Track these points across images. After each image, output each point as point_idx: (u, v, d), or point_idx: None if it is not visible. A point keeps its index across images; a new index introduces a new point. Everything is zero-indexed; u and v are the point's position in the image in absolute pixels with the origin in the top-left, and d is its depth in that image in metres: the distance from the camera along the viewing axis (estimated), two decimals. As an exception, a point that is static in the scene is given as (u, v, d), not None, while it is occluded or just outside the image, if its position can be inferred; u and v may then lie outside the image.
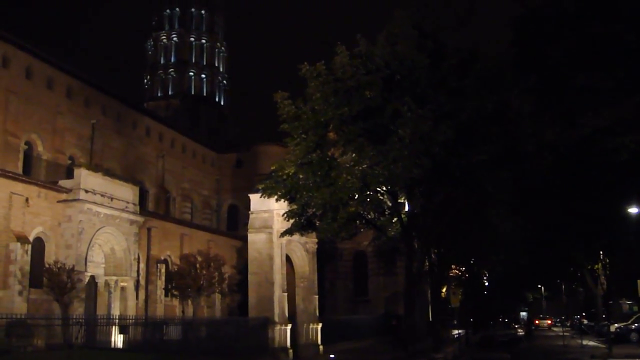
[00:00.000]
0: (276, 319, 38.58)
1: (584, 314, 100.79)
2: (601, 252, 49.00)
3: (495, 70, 26.93)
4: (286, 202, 31.18)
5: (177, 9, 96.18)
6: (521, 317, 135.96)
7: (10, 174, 39.86)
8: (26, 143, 50.03)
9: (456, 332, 61.41)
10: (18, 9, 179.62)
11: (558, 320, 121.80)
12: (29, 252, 38.74)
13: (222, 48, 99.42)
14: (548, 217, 37.36)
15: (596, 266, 54.23)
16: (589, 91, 22.39)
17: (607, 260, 51.39)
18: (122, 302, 45.80)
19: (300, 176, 28.64)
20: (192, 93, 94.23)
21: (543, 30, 23.17)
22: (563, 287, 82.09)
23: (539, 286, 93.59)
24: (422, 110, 25.51)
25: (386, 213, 32.59)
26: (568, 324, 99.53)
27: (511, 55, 25.78)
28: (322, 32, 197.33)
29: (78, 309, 39.75)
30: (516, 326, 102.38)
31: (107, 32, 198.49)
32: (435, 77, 27.27)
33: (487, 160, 27.21)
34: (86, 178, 42.72)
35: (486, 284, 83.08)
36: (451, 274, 58.92)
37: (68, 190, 41.95)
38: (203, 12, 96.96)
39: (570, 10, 22.14)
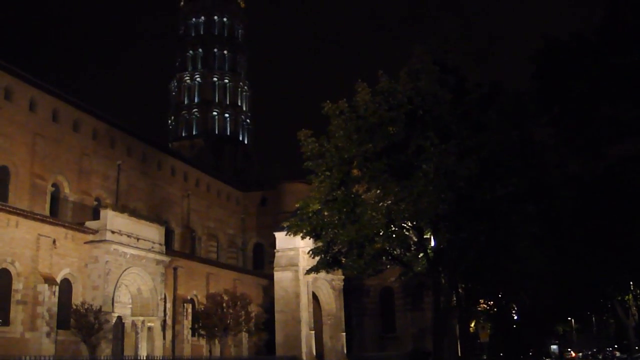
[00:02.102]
0: (304, 357, 38.36)
1: (615, 345, 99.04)
2: (631, 283, 48.31)
3: (518, 103, 26.88)
4: (312, 239, 31.13)
5: (200, 50, 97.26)
6: (552, 350, 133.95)
7: (38, 216, 40.27)
8: (53, 185, 50.53)
9: (486, 367, 60.56)
10: (44, 52, 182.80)
11: (589, 352, 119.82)
12: (57, 294, 38.95)
13: (245, 87, 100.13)
14: (576, 248, 36.97)
15: (627, 297, 53.44)
16: (613, 121, 22.29)
17: (638, 291, 50.64)
18: (149, 342, 45.77)
19: (325, 213, 28.61)
20: (216, 132, 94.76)
21: (565, 63, 23.15)
22: (593, 318, 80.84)
23: (569, 318, 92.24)
24: (445, 145, 25.47)
25: (412, 248, 32.38)
26: (600, 357, 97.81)
27: (533, 88, 25.74)
28: (343, 69, 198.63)
29: (105, 350, 39.78)
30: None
31: (132, 74, 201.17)
32: (457, 111, 27.25)
33: (512, 193, 27.04)
34: (112, 219, 43.01)
35: (515, 317, 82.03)
36: (479, 308, 58.32)
37: (95, 231, 42.25)
38: (225, 52, 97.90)
39: (592, 41, 22.13)
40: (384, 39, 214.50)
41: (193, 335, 52.62)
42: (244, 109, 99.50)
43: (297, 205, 30.93)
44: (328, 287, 51.26)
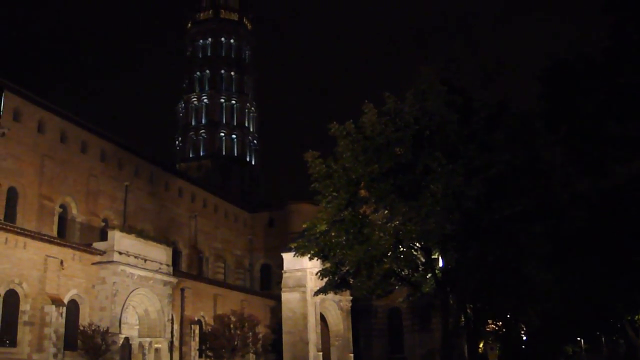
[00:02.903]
0: (311, 378, 38.15)
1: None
2: (641, 302, 47.91)
3: (525, 122, 26.86)
4: (319, 260, 31.03)
5: (207, 71, 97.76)
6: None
7: (46, 237, 40.35)
8: (61, 206, 50.66)
9: (495, 388, 60.04)
10: (52, 73, 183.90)
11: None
12: (64, 315, 38.94)
13: (252, 108, 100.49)
14: (585, 268, 36.77)
15: (637, 317, 53.04)
16: (621, 140, 22.25)
17: (648, 311, 50.24)
18: (156, 363, 45.66)
19: (333, 234, 28.53)
20: (223, 153, 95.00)
21: (572, 82, 23.15)
22: (603, 339, 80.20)
23: (579, 339, 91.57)
24: (452, 165, 25.44)
25: (420, 269, 32.24)
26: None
27: (540, 108, 25.73)
28: (350, 90, 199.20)
29: (113, 372, 39.69)
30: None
31: (139, 95, 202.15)
32: (465, 131, 27.22)
33: (520, 213, 26.94)
34: (120, 240, 43.07)
35: (524, 337, 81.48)
36: (488, 329, 57.95)
37: (102, 252, 42.29)
38: (233, 73, 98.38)
39: (599, 61, 22.15)
40: (391, 59, 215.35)
41: (200, 356, 52.49)
42: (251, 129, 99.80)
43: (304, 226, 30.86)
44: (336, 308, 51.02)
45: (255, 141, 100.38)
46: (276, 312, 60.04)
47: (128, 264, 43.13)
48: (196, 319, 53.23)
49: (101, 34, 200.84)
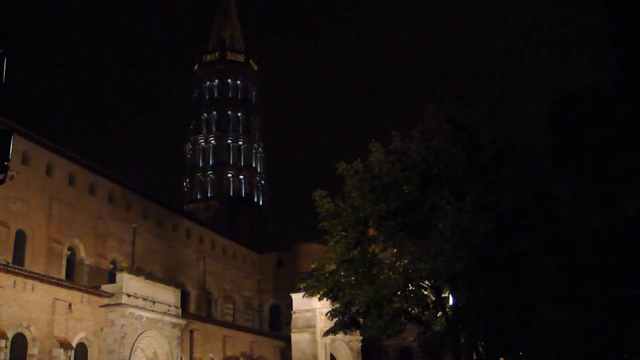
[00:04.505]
0: (322, 420, 37.70)
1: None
2: (655, 338, 47.38)
3: (533, 158, 26.82)
4: (329, 300, 30.86)
5: (215, 112, 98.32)
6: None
7: (54, 280, 40.28)
8: (69, 249, 50.66)
9: None
10: (58, 115, 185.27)
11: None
12: (72, 358, 38.71)
13: (259, 149, 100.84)
14: (597, 304, 36.40)
15: (651, 353, 52.40)
16: (630, 174, 22.16)
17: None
18: (165, 407, 45.22)
19: (342, 274, 28.42)
20: (231, 194, 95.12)
21: (579, 117, 23.16)
22: (618, 376, 79.06)
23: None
24: (461, 203, 25.38)
25: (430, 307, 32.01)
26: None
27: (548, 143, 25.70)
28: (357, 128, 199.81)
29: (122, 416, 39.30)
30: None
31: (147, 137, 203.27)
32: (472, 168, 27.20)
33: (529, 249, 26.79)
34: (128, 282, 42.97)
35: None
36: (500, 367, 57.25)
37: (110, 295, 42.16)
38: (239, 114, 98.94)
39: (605, 95, 22.17)
40: (398, 96, 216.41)
41: (210, 399, 51.98)
42: (259, 170, 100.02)
43: (313, 266, 30.75)
44: (346, 348, 50.65)
45: (262, 181, 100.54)
46: (286, 353, 59.60)
47: (136, 306, 42.96)
48: (205, 361, 52.86)
49: (108, 77, 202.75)
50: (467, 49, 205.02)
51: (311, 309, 41.85)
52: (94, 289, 42.97)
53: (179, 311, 47.99)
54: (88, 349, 41.20)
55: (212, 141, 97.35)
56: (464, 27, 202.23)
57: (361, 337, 51.07)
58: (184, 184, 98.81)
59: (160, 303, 45.56)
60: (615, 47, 21.28)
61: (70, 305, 39.67)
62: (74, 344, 39.52)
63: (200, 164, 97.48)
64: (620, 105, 21.56)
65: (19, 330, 37.10)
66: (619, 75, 21.38)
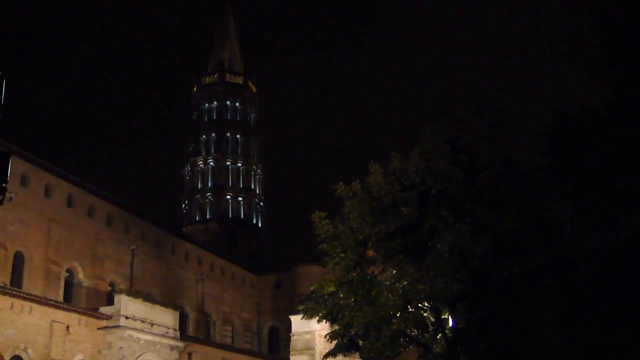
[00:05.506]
0: None
1: None
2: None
3: (532, 179, 26.83)
4: (328, 322, 30.72)
5: (213, 134, 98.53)
6: None
7: (52, 302, 40.17)
8: (67, 270, 50.54)
9: None
10: (56, 137, 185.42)
11: None
12: (70, 382, 38.44)
13: (258, 170, 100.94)
14: (598, 324, 36.19)
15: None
16: (629, 193, 22.18)
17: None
18: None
19: (341, 295, 28.33)
20: (230, 216, 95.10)
21: (577, 137, 23.21)
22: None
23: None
24: (459, 224, 25.36)
25: (430, 329, 31.87)
26: None
27: (546, 163, 25.72)
28: (355, 149, 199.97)
29: None
30: None
31: (146, 158, 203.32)
32: (471, 189, 27.20)
33: (529, 270, 26.73)
34: (126, 304, 42.84)
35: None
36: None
37: (108, 317, 42.03)
38: (238, 136, 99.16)
39: (603, 115, 22.24)
40: (395, 118, 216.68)
41: (208, 422, 51.62)
42: (257, 192, 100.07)
43: (312, 288, 30.65)
44: (345, 370, 50.36)
45: (261, 203, 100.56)
46: (285, 375, 59.33)
47: (135, 329, 42.80)
48: (203, 384, 52.56)
49: (107, 99, 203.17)
50: (466, 70, 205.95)
51: (310, 331, 41.70)
52: (91, 311, 42.83)
53: (178, 333, 47.80)
54: (86, 372, 40.98)
55: (211, 163, 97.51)
56: (462, 48, 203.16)
57: (360, 360, 50.81)
58: (183, 206, 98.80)
59: (159, 325, 45.38)
60: (612, 69, 21.39)
61: (67, 327, 39.53)
62: (71, 366, 39.32)
63: (199, 186, 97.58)
64: (617, 126, 21.63)
65: (17, 352, 36.91)
66: (616, 96, 21.47)
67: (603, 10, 21.29)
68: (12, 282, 43.58)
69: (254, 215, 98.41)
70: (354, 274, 27.73)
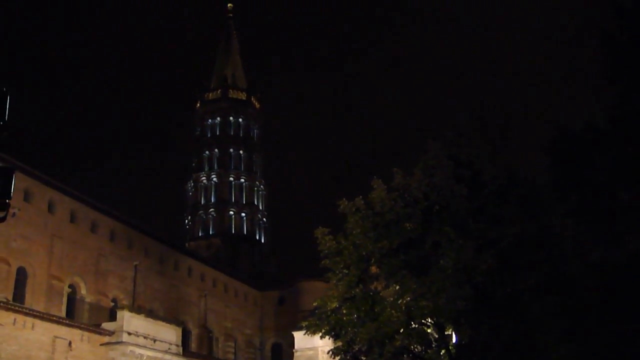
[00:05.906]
0: None
1: None
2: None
3: (535, 194, 26.80)
4: (331, 338, 30.63)
5: (216, 150, 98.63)
6: None
7: (54, 318, 40.12)
8: (70, 286, 50.48)
9: None
10: (59, 152, 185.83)
11: None
12: (72, 398, 38.32)
13: (261, 186, 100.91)
14: (600, 340, 36.02)
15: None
16: (633, 209, 22.14)
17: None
18: None
19: (344, 312, 28.26)
20: (233, 232, 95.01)
21: (580, 152, 23.21)
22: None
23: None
24: (462, 240, 25.33)
25: (433, 345, 31.76)
26: None
27: (549, 179, 25.70)
28: (358, 164, 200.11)
29: None
30: None
31: (149, 174, 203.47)
32: (474, 205, 27.17)
33: (532, 286, 26.66)
34: (129, 320, 42.78)
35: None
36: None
37: (111, 333, 41.95)
38: (241, 152, 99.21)
39: (606, 130, 22.25)
40: (398, 134, 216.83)
41: None
42: (260, 207, 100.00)
43: (315, 304, 30.57)
44: (348, 387, 50.07)
45: (264, 219, 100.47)
46: (288, 392, 59.16)
47: (137, 344, 42.70)
48: (206, 400, 52.39)
49: (110, 115, 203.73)
50: (468, 86, 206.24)
51: (313, 347, 41.61)
52: (94, 327, 42.75)
53: (180, 349, 47.68)
54: (88, 388, 40.88)
55: (214, 179, 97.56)
56: (464, 64, 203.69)
57: (364, 376, 50.61)
58: (186, 221, 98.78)
59: (161, 341, 45.28)
60: (613, 84, 21.43)
61: (70, 343, 39.46)
62: (73, 383, 39.22)
63: (202, 202, 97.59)
64: (620, 140, 21.63)
65: (19, 368, 36.83)
66: (618, 110, 21.49)
67: (604, 25, 21.36)
68: (14, 298, 43.54)
69: (257, 231, 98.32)
70: (357, 290, 27.69)
